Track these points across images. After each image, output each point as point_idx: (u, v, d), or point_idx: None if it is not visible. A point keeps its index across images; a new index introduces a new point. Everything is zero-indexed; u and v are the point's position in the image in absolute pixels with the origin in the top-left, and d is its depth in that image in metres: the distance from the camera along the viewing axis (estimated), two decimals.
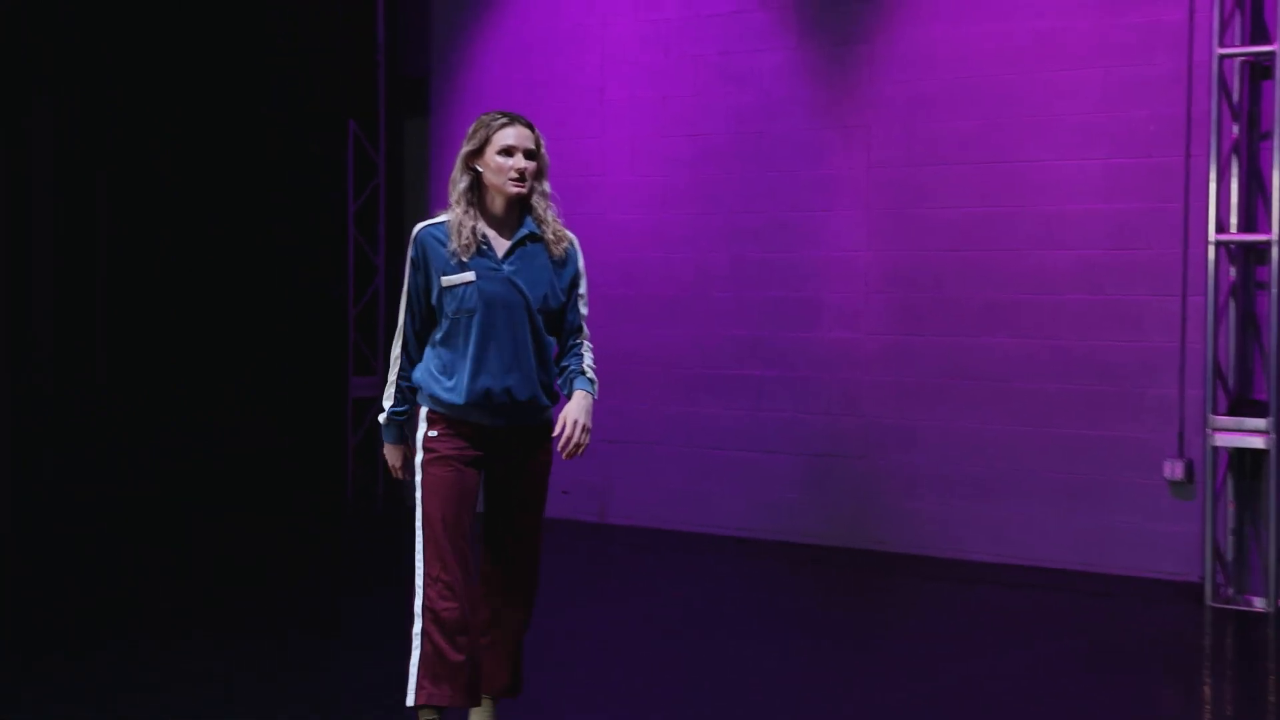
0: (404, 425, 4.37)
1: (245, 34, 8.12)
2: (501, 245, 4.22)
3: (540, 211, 4.24)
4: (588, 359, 4.35)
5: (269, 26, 8.28)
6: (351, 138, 9.09)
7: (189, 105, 7.75)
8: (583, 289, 4.33)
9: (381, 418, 4.40)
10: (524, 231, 4.22)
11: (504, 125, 4.20)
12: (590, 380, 4.32)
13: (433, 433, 4.25)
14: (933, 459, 7.76)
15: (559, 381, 4.36)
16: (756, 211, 8.27)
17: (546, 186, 4.27)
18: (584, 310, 4.35)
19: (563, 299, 4.27)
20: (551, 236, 4.23)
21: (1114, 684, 5.41)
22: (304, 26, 8.51)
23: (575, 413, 4.20)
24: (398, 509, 9.31)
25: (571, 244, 4.29)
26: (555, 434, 4.20)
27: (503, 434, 4.26)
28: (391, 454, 4.39)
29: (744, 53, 8.29)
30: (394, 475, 4.41)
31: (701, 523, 8.43)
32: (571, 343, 4.35)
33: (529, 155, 4.18)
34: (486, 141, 4.19)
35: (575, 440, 4.18)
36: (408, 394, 4.35)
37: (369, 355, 9.30)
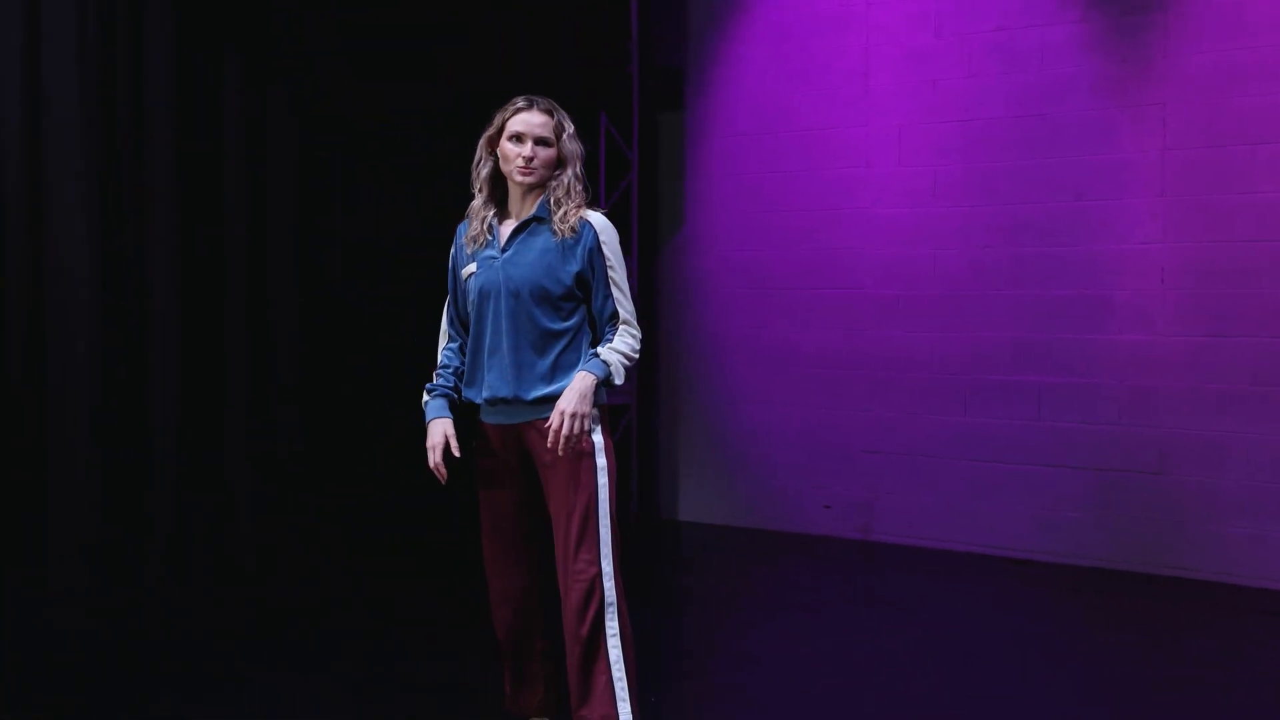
0: (448, 401, 4.06)
1: (493, 22, 7.82)
2: (506, 234, 3.98)
3: (556, 197, 3.94)
4: (618, 342, 3.95)
5: (517, 14, 7.95)
6: (603, 131, 8.71)
7: (433, 97, 7.49)
8: (615, 275, 3.95)
9: (423, 398, 4.11)
10: (529, 215, 3.96)
11: (518, 111, 4.01)
12: (603, 362, 3.90)
13: (475, 441, 4.07)
14: (1241, 476, 6.91)
15: None
16: (1036, 202, 7.55)
17: (568, 175, 3.95)
18: (619, 296, 3.96)
19: (569, 283, 3.91)
20: (559, 216, 3.91)
21: None
22: (554, 14, 8.16)
23: (564, 400, 3.83)
24: (651, 519, 8.91)
25: (587, 223, 3.94)
26: (545, 426, 3.86)
27: (520, 433, 3.96)
28: (431, 431, 4.03)
29: (1022, 28, 7.58)
30: (431, 464, 4.00)
31: (975, 542, 7.74)
32: (607, 332, 3.98)
33: (541, 143, 3.95)
34: (501, 127, 3.98)
35: (561, 433, 3.81)
36: (448, 374, 4.11)
37: None
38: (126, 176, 6.26)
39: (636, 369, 9.03)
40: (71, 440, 5.96)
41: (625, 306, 3.98)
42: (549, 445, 3.83)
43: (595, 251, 3.94)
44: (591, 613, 3.87)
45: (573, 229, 3.92)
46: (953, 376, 7.83)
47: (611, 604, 3.91)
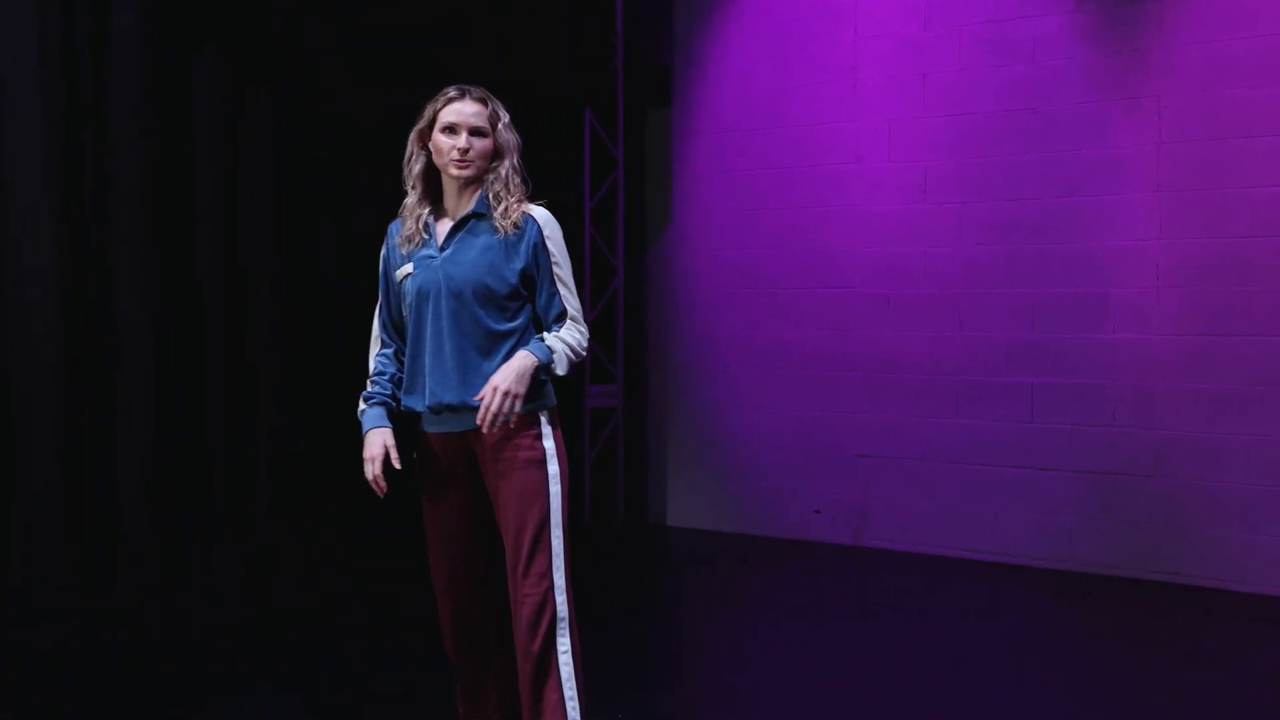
0: (386, 410, 3.86)
1: (474, 19, 7.65)
2: (444, 232, 3.79)
3: (495, 191, 3.75)
4: (565, 333, 3.78)
5: (499, 10, 7.78)
6: (588, 129, 8.54)
7: (413, 96, 7.34)
8: (560, 271, 3.78)
9: (359, 408, 3.90)
10: (467, 211, 3.77)
11: (449, 101, 3.80)
12: (547, 347, 3.72)
13: (416, 453, 3.88)
14: (1239, 479, 6.73)
15: None
16: (1030, 198, 7.38)
17: (506, 168, 3.77)
18: (565, 293, 3.79)
19: (514, 282, 3.73)
20: (500, 212, 3.73)
21: None
22: (537, 10, 7.98)
23: (498, 376, 3.64)
24: (638, 524, 8.76)
25: (530, 218, 3.77)
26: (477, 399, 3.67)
27: (467, 442, 3.78)
28: (368, 443, 3.81)
29: (1013, 20, 7.40)
30: (369, 477, 3.79)
31: (967, 547, 7.56)
32: (553, 328, 3.81)
33: (477, 133, 3.76)
34: (433, 119, 3.81)
35: (491, 409, 3.60)
36: (385, 382, 3.90)
37: (607, 362, 8.74)
38: (91, 180, 6.11)
39: (596, 367, 8.86)
40: (38, 450, 5.83)
41: (572, 303, 3.81)
42: (477, 421, 3.63)
43: (540, 247, 3.77)
44: (543, 629, 3.71)
45: (515, 224, 3.75)
46: (945, 377, 7.66)
47: (564, 619, 3.75)
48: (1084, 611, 6.63)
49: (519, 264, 3.74)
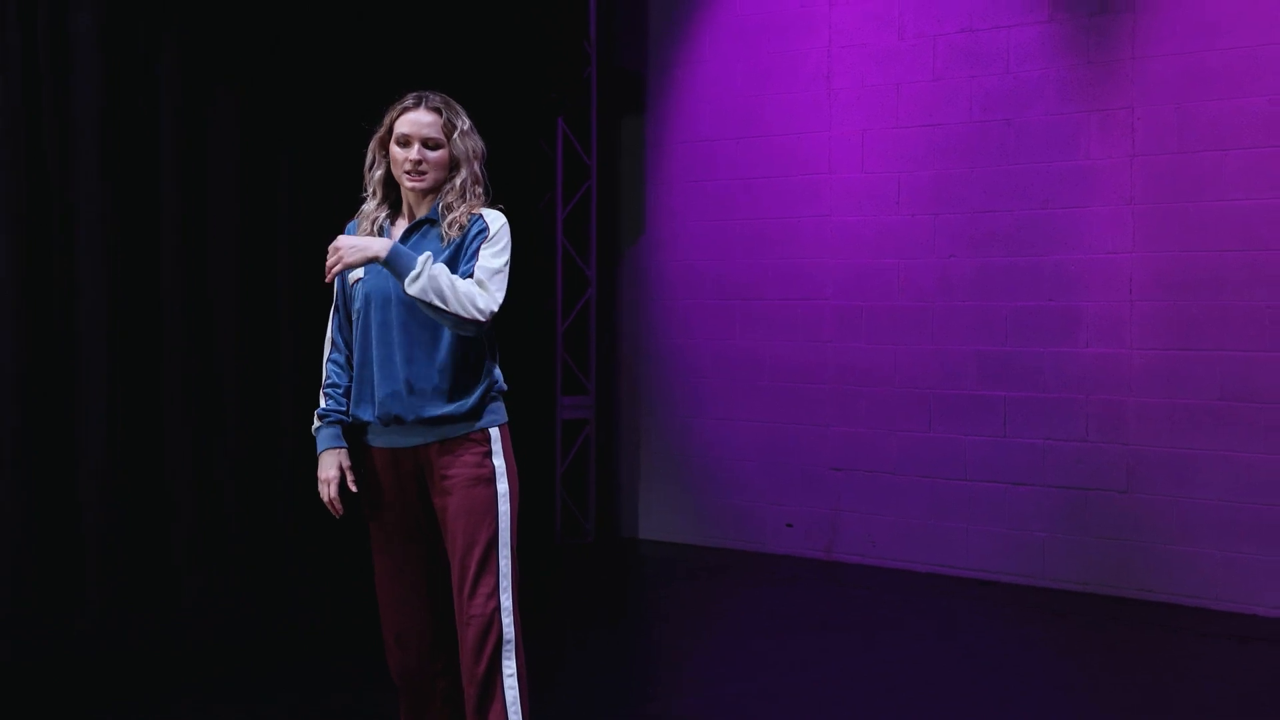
0: (342, 428, 3.75)
1: (444, 21, 7.57)
2: (398, 233, 3.71)
3: (449, 201, 3.66)
4: (459, 277, 3.58)
5: (471, 14, 7.69)
6: (561, 136, 8.46)
7: (384, 99, 7.25)
8: (486, 255, 3.62)
9: (314, 425, 3.79)
10: (423, 216, 3.69)
11: (404, 110, 3.70)
12: (418, 260, 3.51)
13: (362, 467, 3.76)
14: (1211, 495, 6.67)
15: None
16: (1003, 210, 7.31)
17: (462, 178, 3.67)
18: (479, 267, 3.61)
19: None
20: (448, 222, 3.64)
21: None
22: (509, 14, 7.89)
23: (343, 238, 3.60)
24: (610, 538, 8.68)
25: (478, 216, 3.66)
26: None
27: (416, 457, 3.68)
28: (323, 464, 3.73)
29: (988, 30, 7.34)
30: (325, 499, 3.72)
31: (939, 562, 7.50)
32: None
33: (430, 144, 3.67)
34: (390, 129, 3.72)
35: (330, 249, 3.55)
36: (339, 396, 3.78)
37: (579, 373, 8.66)
38: (53, 184, 6.03)
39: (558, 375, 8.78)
40: None
41: (484, 273, 3.60)
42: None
43: (477, 238, 3.65)
44: (489, 651, 3.62)
45: (460, 227, 3.64)
46: (918, 391, 7.59)
47: (510, 641, 3.65)
48: (1055, 628, 6.56)
49: (466, 267, 3.63)
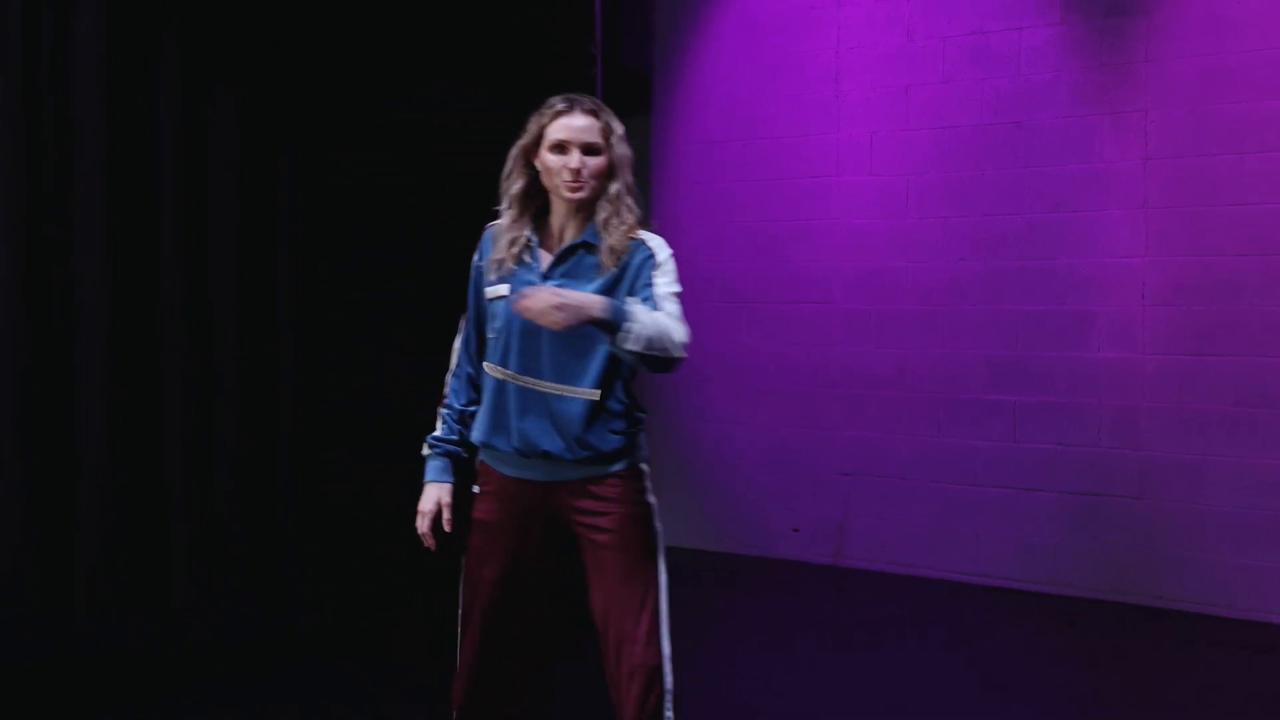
0: (452, 459, 3.53)
1: (445, 21, 7.50)
2: (548, 256, 3.41)
3: (605, 217, 3.37)
4: (662, 315, 3.30)
5: (473, 12, 7.63)
6: None
7: (386, 97, 7.18)
8: (660, 284, 3.35)
9: (424, 449, 3.57)
10: (578, 240, 3.39)
11: (558, 114, 3.44)
12: (627, 310, 3.22)
13: (476, 488, 3.48)
14: (1225, 501, 6.60)
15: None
16: (1014, 214, 7.25)
17: (616, 187, 3.40)
18: (662, 295, 3.34)
19: None
20: (609, 245, 3.35)
21: None
22: (512, 12, 7.83)
23: (565, 292, 3.23)
24: None
25: (641, 244, 3.39)
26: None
27: (555, 495, 3.43)
28: (425, 495, 3.52)
29: (999, 32, 7.28)
30: (419, 530, 3.50)
31: (948, 568, 7.42)
32: None
33: (590, 151, 3.39)
34: (540, 135, 3.43)
35: (536, 299, 3.18)
36: (455, 420, 3.54)
37: None
38: (50, 185, 5.95)
39: None
40: None
41: (671, 308, 3.34)
42: (516, 307, 3.22)
43: (646, 269, 3.37)
44: (652, 703, 3.43)
45: (618, 256, 3.35)
46: (927, 395, 7.52)
47: (669, 691, 3.46)
48: (1066, 635, 6.49)
49: (643, 297, 3.35)
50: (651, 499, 3.48)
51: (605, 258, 3.35)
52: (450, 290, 7.78)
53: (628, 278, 3.37)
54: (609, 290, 3.34)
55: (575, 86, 8.48)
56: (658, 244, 3.42)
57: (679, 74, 8.47)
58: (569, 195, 3.37)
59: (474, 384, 3.53)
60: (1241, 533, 6.56)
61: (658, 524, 3.48)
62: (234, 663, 5.72)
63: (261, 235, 6.93)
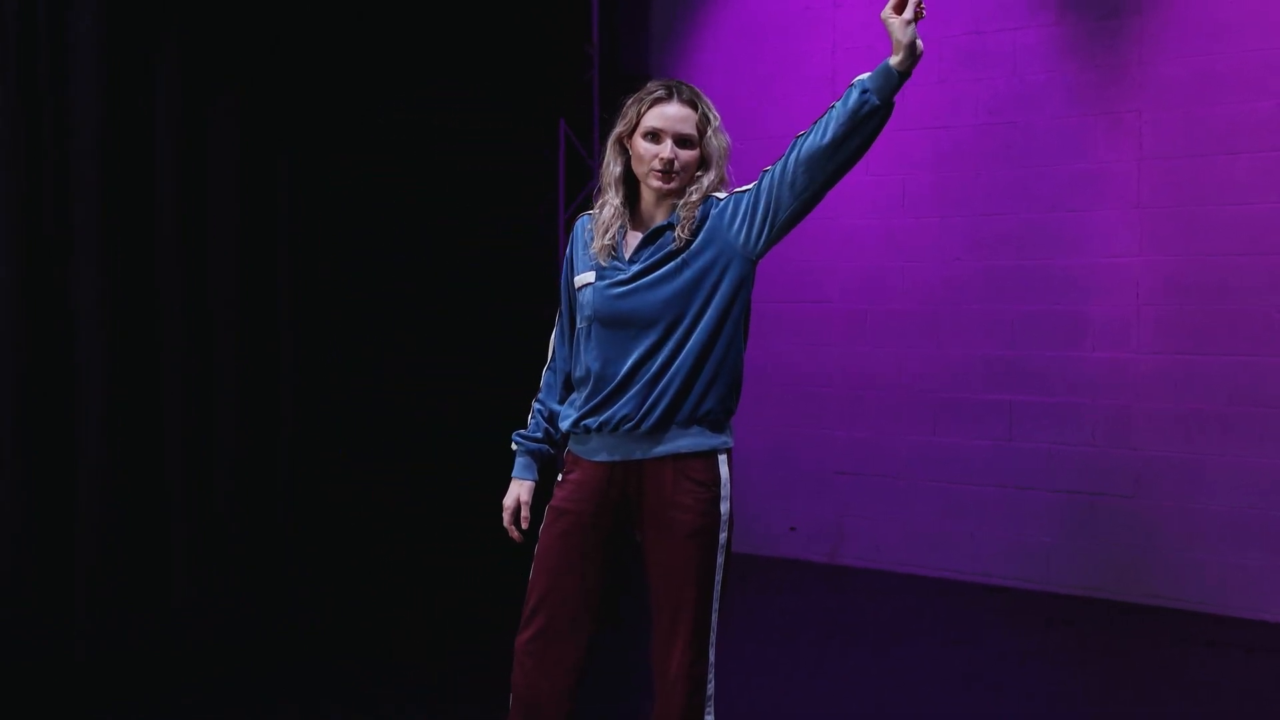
0: (537, 457, 3.54)
1: (444, 22, 7.52)
2: (632, 244, 3.37)
3: (693, 200, 3.34)
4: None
5: (473, 15, 7.65)
6: (563, 138, 8.41)
7: (387, 100, 7.19)
8: (765, 178, 3.37)
9: (512, 445, 3.57)
10: (663, 223, 3.35)
11: (656, 101, 3.36)
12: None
13: (559, 475, 3.44)
14: (1220, 500, 6.63)
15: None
16: (1009, 214, 7.28)
17: (710, 180, 3.36)
18: (775, 167, 3.39)
19: (729, 296, 3.33)
20: (682, 219, 3.31)
21: None
22: (512, 16, 7.86)
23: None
24: None
25: (709, 201, 3.36)
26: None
27: (639, 475, 3.38)
28: (510, 490, 3.53)
29: (994, 32, 7.31)
30: (505, 523, 3.51)
31: (944, 567, 7.45)
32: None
33: (683, 142, 3.33)
34: (635, 121, 3.36)
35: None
36: (544, 418, 3.53)
37: None
38: (49, 187, 5.96)
39: None
40: None
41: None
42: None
43: (735, 196, 3.36)
44: (694, 709, 3.43)
45: (688, 223, 3.31)
46: (923, 394, 7.55)
47: (710, 696, 3.45)
48: (1062, 634, 6.52)
49: (776, 171, 3.36)
50: (725, 507, 3.46)
51: (680, 233, 3.31)
52: (450, 290, 7.88)
53: (716, 234, 3.34)
54: (692, 260, 3.31)
55: (574, 88, 8.56)
56: (723, 196, 3.39)
57: (676, 76, 8.47)
58: (657, 184, 3.33)
59: (567, 380, 3.52)
60: (1237, 532, 6.59)
61: (723, 535, 3.47)
62: (234, 663, 5.73)
63: (261, 235, 6.95)
